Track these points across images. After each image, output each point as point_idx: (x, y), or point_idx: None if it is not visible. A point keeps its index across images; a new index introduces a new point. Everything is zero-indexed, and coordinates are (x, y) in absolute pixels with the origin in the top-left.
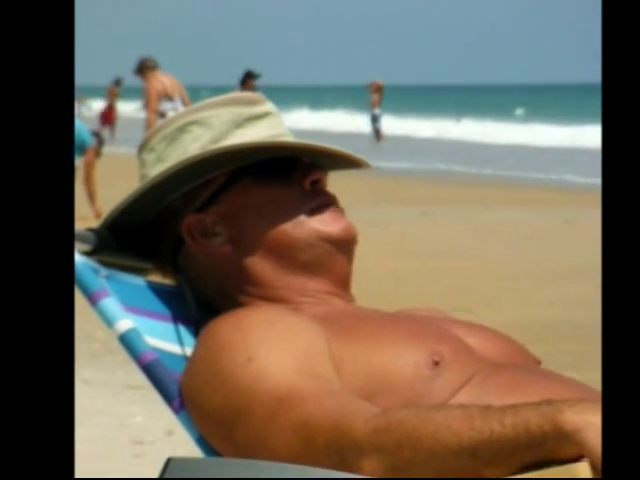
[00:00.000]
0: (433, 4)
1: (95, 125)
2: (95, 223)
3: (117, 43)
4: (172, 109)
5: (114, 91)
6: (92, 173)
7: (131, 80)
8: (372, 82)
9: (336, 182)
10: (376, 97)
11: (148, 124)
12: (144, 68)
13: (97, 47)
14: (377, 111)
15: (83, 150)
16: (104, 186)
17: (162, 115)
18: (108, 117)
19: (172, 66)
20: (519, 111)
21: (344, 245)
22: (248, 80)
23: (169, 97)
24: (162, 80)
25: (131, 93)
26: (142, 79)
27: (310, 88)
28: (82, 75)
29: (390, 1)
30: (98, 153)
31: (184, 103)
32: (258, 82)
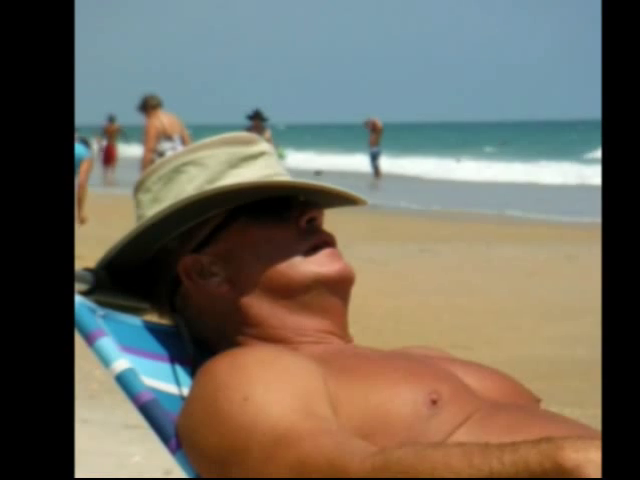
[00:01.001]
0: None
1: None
2: (79, 228)
3: (109, 81)
4: (171, 149)
5: (112, 128)
6: (86, 180)
7: (131, 119)
8: (368, 120)
9: (334, 219)
10: (374, 135)
11: (144, 163)
12: (147, 106)
13: (90, 85)
14: (376, 149)
15: (80, 163)
16: (101, 225)
17: (160, 154)
18: (109, 157)
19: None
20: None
21: (341, 286)
22: (256, 119)
23: (168, 136)
24: (162, 119)
25: (134, 132)
26: (145, 116)
27: (311, 126)
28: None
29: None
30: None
31: (184, 142)
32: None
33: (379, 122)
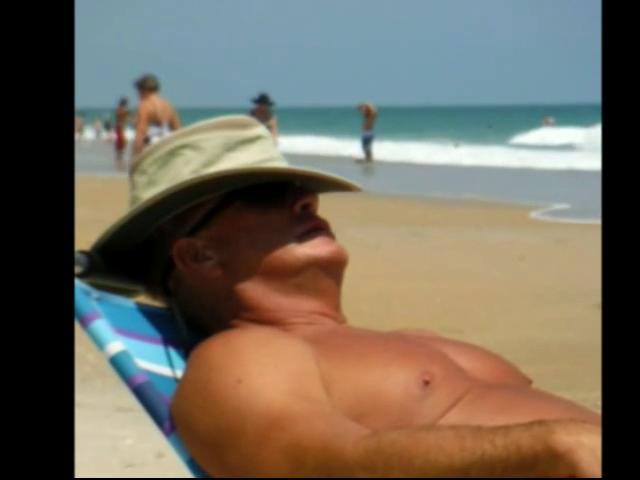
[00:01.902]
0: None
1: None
2: None
3: (115, 67)
4: (157, 134)
5: (122, 112)
6: None
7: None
8: (362, 104)
9: (327, 203)
10: (368, 119)
11: (136, 145)
12: (144, 86)
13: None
14: (369, 133)
15: None
16: (96, 209)
17: (146, 140)
18: (120, 141)
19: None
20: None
21: (333, 268)
22: (261, 103)
23: (157, 122)
24: (155, 103)
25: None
26: (139, 96)
27: (306, 110)
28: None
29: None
30: None
31: (173, 128)
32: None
33: (372, 106)
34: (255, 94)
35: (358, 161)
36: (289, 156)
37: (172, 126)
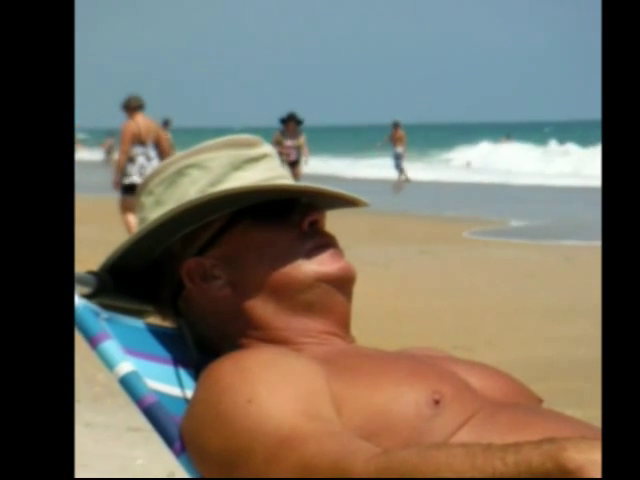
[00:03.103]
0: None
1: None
2: None
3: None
4: (142, 154)
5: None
6: None
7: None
8: (396, 120)
9: (335, 222)
10: (398, 136)
11: (119, 165)
12: (129, 106)
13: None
14: (400, 150)
15: None
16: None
17: (131, 159)
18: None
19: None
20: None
21: (342, 285)
22: (290, 122)
23: (142, 142)
24: (139, 123)
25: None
26: (126, 116)
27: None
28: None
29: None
30: None
31: (160, 147)
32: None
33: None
34: (274, 113)
35: (400, 182)
36: (318, 177)
37: (158, 144)
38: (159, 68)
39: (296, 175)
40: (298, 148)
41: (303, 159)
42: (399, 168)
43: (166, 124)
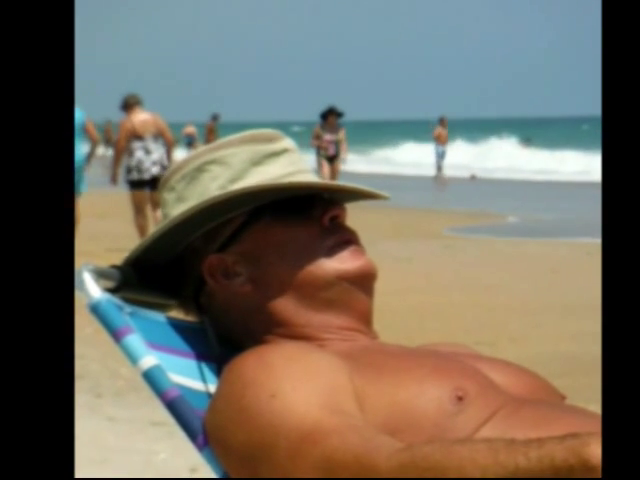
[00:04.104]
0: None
1: None
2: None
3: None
4: (140, 148)
5: (211, 127)
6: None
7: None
8: (442, 116)
9: (357, 216)
10: (444, 132)
11: (113, 161)
12: (126, 105)
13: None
14: (442, 148)
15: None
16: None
17: (130, 153)
18: None
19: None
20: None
21: (363, 282)
22: (330, 116)
23: (138, 136)
24: (133, 119)
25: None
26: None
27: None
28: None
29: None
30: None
31: (165, 140)
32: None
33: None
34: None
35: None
36: (357, 176)
37: (162, 136)
38: (205, 59)
39: (334, 171)
40: (337, 143)
41: (342, 156)
42: (439, 165)
43: (215, 118)
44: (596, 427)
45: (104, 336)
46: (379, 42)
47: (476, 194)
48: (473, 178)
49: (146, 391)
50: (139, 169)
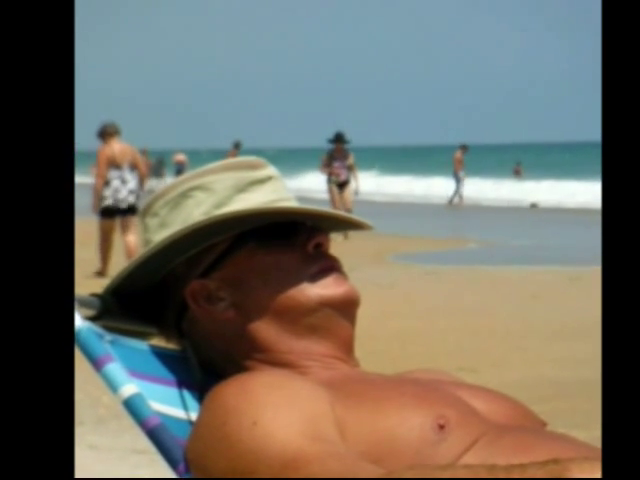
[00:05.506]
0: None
1: None
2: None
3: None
4: (117, 177)
5: (233, 154)
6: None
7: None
8: (462, 144)
9: (340, 243)
10: (461, 158)
11: (96, 189)
12: (104, 133)
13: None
14: (461, 173)
15: None
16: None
17: (107, 183)
18: None
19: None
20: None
21: (346, 308)
22: (338, 143)
23: (117, 165)
24: (114, 148)
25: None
26: (101, 143)
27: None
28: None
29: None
30: None
31: (137, 169)
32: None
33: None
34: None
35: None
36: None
37: (135, 167)
38: (225, 86)
39: (346, 199)
40: (348, 168)
41: (353, 184)
42: (458, 191)
43: (237, 146)
44: (576, 453)
45: (85, 364)
46: (385, 68)
47: (458, 220)
48: (451, 204)
49: (128, 419)
50: (115, 198)
